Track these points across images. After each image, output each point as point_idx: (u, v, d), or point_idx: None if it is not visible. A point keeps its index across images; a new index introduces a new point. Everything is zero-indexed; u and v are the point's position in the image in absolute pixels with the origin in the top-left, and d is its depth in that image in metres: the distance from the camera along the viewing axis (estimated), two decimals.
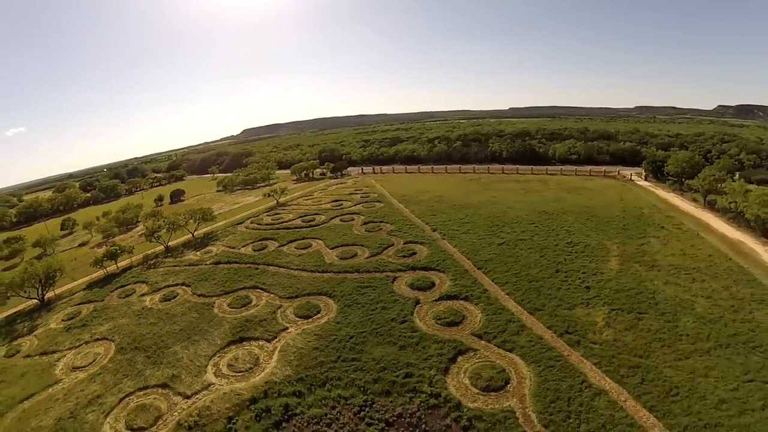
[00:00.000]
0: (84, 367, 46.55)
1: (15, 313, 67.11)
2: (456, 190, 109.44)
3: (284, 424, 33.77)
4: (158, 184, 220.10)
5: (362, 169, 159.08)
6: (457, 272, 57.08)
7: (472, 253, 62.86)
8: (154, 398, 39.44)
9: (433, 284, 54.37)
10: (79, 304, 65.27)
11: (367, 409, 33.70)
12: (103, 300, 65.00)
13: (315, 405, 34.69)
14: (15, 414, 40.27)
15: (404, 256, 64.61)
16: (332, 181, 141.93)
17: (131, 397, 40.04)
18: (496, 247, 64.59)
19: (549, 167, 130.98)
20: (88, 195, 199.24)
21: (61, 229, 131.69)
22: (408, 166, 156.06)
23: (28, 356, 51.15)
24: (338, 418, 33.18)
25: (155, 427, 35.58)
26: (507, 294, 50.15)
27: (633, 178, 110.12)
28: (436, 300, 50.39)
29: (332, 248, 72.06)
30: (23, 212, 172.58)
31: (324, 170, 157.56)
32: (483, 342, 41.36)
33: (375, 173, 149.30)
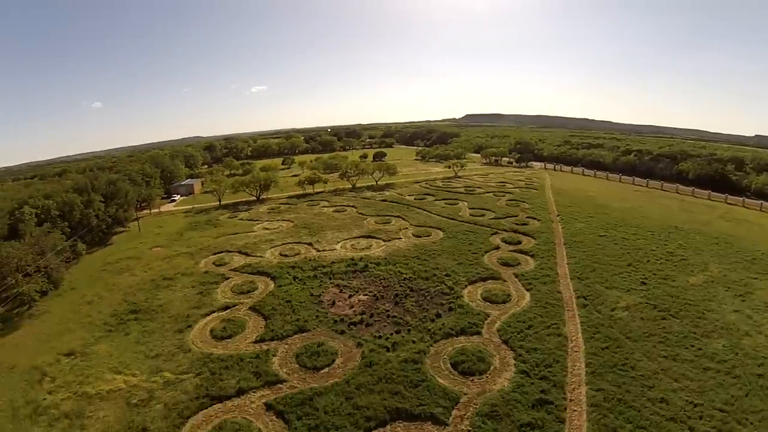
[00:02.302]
0: (270, 229, 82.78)
1: (241, 201, 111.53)
2: (613, 195, 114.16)
3: (364, 273, 58.33)
4: (369, 146, 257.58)
5: (545, 165, 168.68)
6: (544, 240, 71.47)
7: (569, 235, 74.80)
8: (300, 246, 71.29)
9: (519, 242, 70.10)
10: (280, 204, 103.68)
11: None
12: (296, 205, 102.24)
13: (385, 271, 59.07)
14: (224, 239, 76.52)
15: (517, 224, 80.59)
16: (513, 168, 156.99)
17: (288, 244, 72.33)
18: (596, 237, 74.35)
19: (747, 200, 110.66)
20: (308, 145, 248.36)
21: (282, 164, 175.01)
22: (597, 171, 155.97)
23: (241, 219, 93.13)
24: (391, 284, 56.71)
25: (296, 258, 66.30)
26: (567, 263, 62.31)
27: None
28: (510, 251, 66.29)
29: (470, 208, 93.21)
30: (256, 150, 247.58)
31: (511, 159, 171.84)
32: (514, 278, 57.13)
33: (555, 170, 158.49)
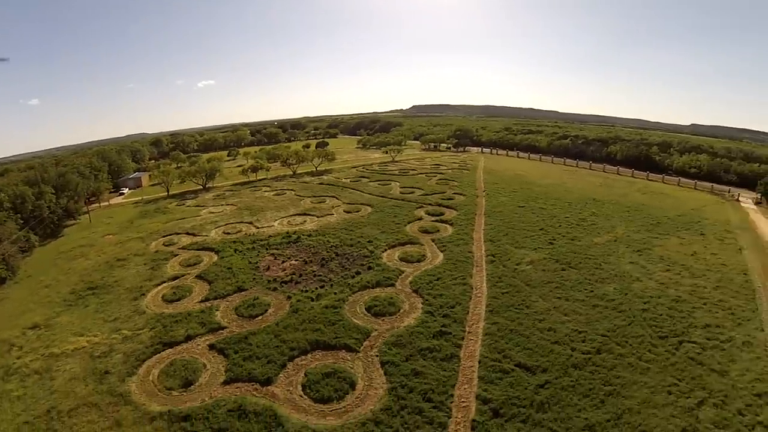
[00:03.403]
0: (215, 213, 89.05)
1: (188, 190, 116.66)
2: (541, 173, 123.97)
3: (297, 244, 65.40)
4: (313, 137, 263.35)
5: (482, 149, 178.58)
6: (465, 212, 79.74)
7: (490, 207, 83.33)
8: (242, 225, 78.13)
9: (442, 214, 78.17)
10: (224, 191, 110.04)
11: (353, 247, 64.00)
12: (240, 191, 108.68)
13: (315, 241, 66.47)
14: (172, 224, 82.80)
15: (443, 199, 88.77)
16: (451, 153, 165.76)
17: (231, 224, 78.90)
18: (515, 208, 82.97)
19: (667, 177, 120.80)
20: (254, 138, 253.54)
21: (228, 156, 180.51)
22: (531, 154, 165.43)
23: (188, 206, 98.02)
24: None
25: (237, 234, 71.92)
26: (483, 230, 70.41)
27: (740, 198, 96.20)
28: (432, 221, 74.39)
29: (402, 188, 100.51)
30: (202, 144, 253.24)
31: (448, 144, 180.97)
32: (431, 242, 65.20)
33: (491, 153, 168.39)
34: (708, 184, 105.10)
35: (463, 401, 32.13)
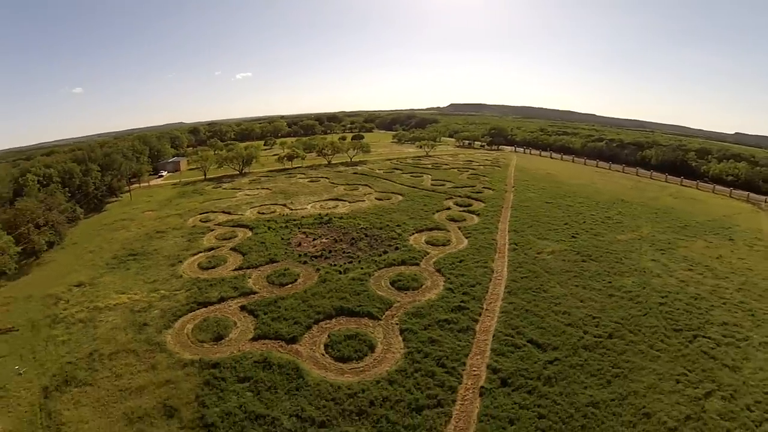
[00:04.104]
0: (251, 195, 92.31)
1: (225, 175, 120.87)
2: (572, 173, 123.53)
3: (328, 225, 68.28)
4: (348, 131, 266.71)
5: (515, 148, 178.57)
6: (492, 204, 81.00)
7: (518, 201, 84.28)
8: (276, 207, 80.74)
9: (470, 205, 79.56)
10: (260, 177, 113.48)
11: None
12: (275, 177, 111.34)
13: (346, 223, 69.20)
14: (209, 203, 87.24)
15: (472, 192, 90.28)
16: (484, 150, 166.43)
17: (266, 205, 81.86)
18: (542, 203, 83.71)
19: (701, 183, 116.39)
20: (290, 129, 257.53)
21: (264, 145, 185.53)
22: (564, 155, 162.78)
23: (225, 188, 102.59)
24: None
25: (271, 214, 74.51)
26: (509, 221, 71.75)
27: None
28: (460, 211, 75.99)
29: (433, 180, 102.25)
30: (239, 133, 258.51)
31: (482, 142, 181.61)
32: (457, 229, 67.05)
33: (524, 153, 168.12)
34: (744, 193, 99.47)
35: (474, 370, 33.96)
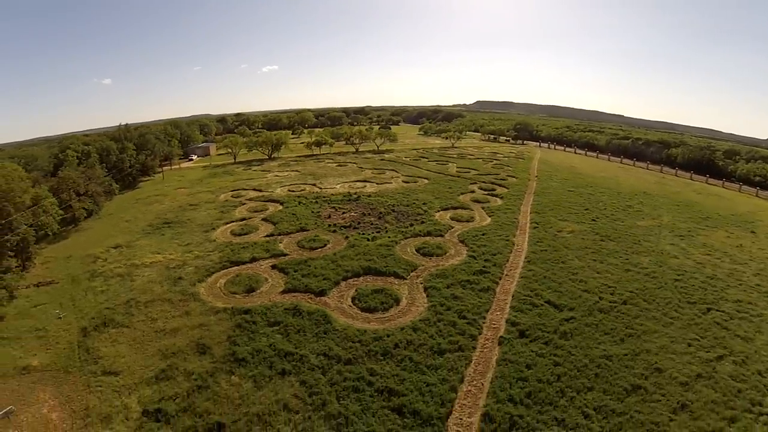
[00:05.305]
0: (280, 176, 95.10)
1: (254, 159, 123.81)
2: (596, 168, 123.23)
3: (357, 201, 70.50)
4: (375, 123, 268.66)
5: (540, 143, 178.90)
6: (516, 190, 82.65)
7: (541, 189, 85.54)
8: (305, 186, 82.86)
9: (493, 190, 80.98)
10: (289, 161, 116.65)
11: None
12: (304, 162, 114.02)
13: (374, 200, 71.31)
14: (240, 182, 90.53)
15: (496, 179, 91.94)
16: (509, 144, 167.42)
17: (296, 185, 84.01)
18: (564, 191, 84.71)
19: (727, 182, 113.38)
20: (317, 120, 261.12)
21: (292, 134, 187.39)
22: (588, 151, 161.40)
23: (254, 170, 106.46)
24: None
25: (301, 192, 77.08)
26: (531, 204, 73.29)
27: None
28: (484, 194, 77.82)
29: (458, 168, 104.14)
30: (266, 123, 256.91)
31: (508, 137, 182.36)
32: (481, 209, 69.08)
33: (548, 147, 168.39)
34: None
35: (493, 324, 35.98)
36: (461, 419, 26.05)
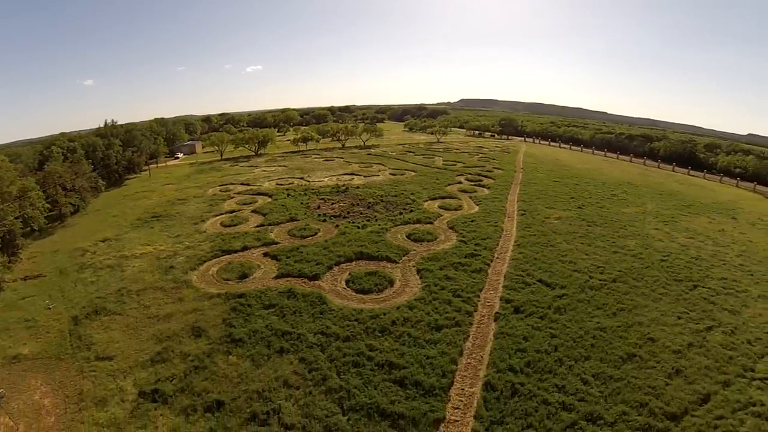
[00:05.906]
0: (268, 171, 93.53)
1: (241, 156, 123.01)
2: (582, 161, 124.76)
3: (345, 193, 70.39)
4: (360, 121, 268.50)
5: (525, 138, 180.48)
6: (502, 181, 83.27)
7: (527, 179, 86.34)
8: (293, 179, 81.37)
9: (480, 181, 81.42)
10: (276, 157, 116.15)
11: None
12: (291, 157, 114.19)
13: (362, 192, 71.46)
14: (228, 177, 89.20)
15: (482, 171, 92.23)
16: (494, 139, 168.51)
17: (284, 178, 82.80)
18: (550, 182, 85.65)
19: (709, 174, 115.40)
20: (302, 119, 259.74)
21: (278, 132, 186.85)
22: (573, 145, 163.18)
23: (242, 166, 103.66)
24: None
25: (290, 185, 76.38)
26: (518, 194, 73.96)
27: None
28: (471, 185, 78.59)
29: (444, 161, 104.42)
30: (251, 122, 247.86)
31: (493, 131, 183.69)
32: (468, 198, 69.48)
33: (533, 142, 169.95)
34: (751, 184, 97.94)
35: (488, 302, 36.37)
36: (463, 389, 26.31)
